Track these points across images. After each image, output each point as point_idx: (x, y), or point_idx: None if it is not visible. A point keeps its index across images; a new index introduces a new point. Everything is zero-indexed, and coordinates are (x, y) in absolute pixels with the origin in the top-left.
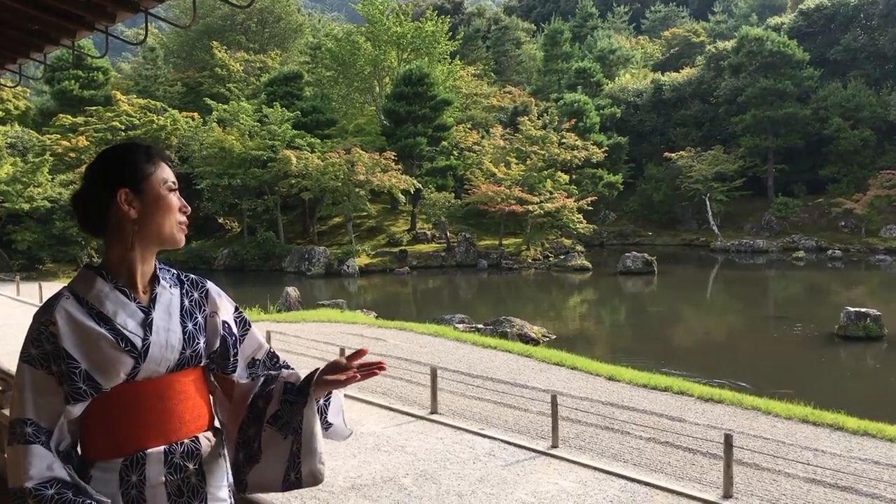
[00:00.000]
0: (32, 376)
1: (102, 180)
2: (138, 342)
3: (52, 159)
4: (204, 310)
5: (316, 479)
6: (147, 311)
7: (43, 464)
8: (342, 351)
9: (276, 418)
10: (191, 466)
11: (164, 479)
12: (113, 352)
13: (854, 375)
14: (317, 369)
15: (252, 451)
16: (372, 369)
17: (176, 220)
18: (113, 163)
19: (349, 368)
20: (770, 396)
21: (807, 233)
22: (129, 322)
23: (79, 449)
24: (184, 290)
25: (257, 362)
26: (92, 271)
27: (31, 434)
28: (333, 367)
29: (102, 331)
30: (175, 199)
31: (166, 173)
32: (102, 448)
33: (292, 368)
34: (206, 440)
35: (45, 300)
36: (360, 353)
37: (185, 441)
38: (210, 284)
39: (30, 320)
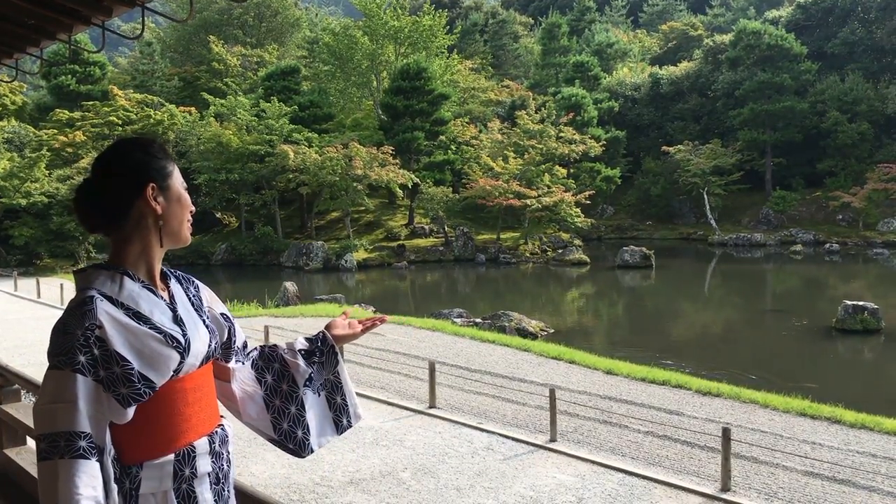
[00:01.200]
0: (86, 386)
1: (131, 173)
2: (181, 337)
3: (49, 154)
4: (205, 304)
5: (359, 417)
6: (173, 307)
7: (90, 483)
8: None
9: (310, 380)
10: (225, 453)
11: (210, 468)
12: (163, 349)
13: (852, 369)
14: (321, 332)
15: (293, 416)
16: (374, 321)
17: (186, 223)
18: (139, 157)
19: (353, 324)
20: (768, 390)
21: (804, 226)
22: (164, 320)
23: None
24: (184, 287)
25: (245, 348)
26: (115, 271)
27: (84, 448)
28: (340, 325)
29: (147, 329)
30: (188, 198)
31: (179, 173)
32: (151, 447)
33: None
34: (228, 426)
35: (72, 304)
36: (380, 319)
37: (218, 429)
38: (197, 280)
39: (26, 315)
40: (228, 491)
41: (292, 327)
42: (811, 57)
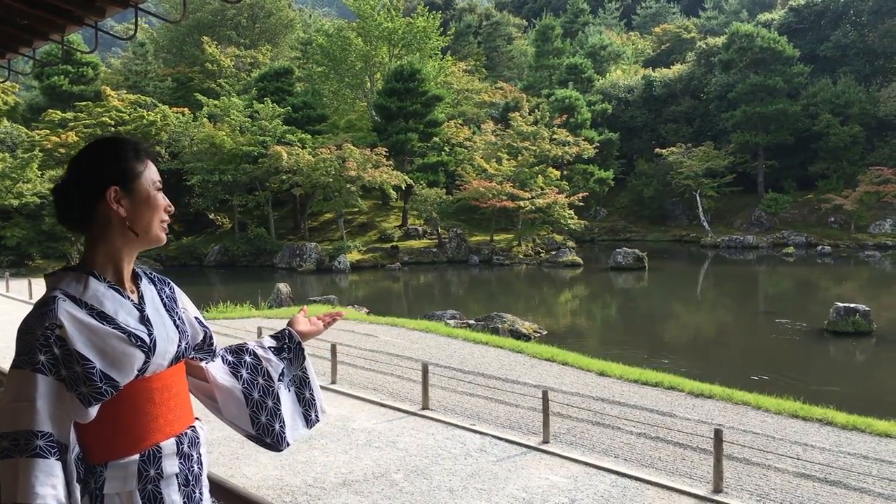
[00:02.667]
0: (45, 385)
1: (91, 177)
2: (146, 337)
3: (41, 155)
4: (178, 305)
5: (324, 412)
6: (140, 307)
7: (48, 482)
8: (333, 347)
9: (282, 375)
10: (195, 455)
11: (177, 469)
12: (126, 348)
13: (843, 371)
14: (287, 329)
15: (270, 410)
16: (333, 316)
17: (160, 223)
18: (103, 159)
19: (314, 321)
20: (760, 391)
21: (796, 228)
22: (129, 320)
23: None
24: (157, 287)
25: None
26: (81, 272)
27: (41, 447)
28: (302, 322)
29: (110, 329)
30: (162, 199)
31: (154, 172)
32: (116, 447)
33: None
34: (200, 427)
35: (35, 305)
36: (338, 314)
37: (188, 431)
38: (172, 282)
39: (17, 316)
40: (200, 493)
41: None
42: (803, 60)
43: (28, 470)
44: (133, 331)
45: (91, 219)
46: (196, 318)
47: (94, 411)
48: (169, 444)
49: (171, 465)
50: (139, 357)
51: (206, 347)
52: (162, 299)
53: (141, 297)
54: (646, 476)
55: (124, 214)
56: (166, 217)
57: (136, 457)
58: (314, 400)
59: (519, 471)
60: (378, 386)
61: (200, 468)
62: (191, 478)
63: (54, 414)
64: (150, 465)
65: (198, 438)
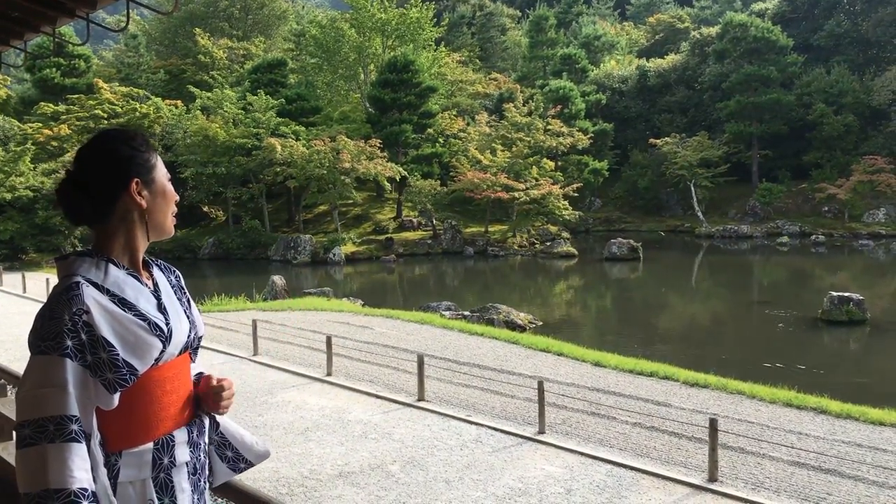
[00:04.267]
0: (74, 370)
1: (114, 169)
2: (164, 326)
3: (33, 148)
4: (185, 294)
5: (258, 457)
6: (157, 295)
7: (84, 465)
8: (328, 339)
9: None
10: (202, 443)
11: (188, 457)
12: (147, 336)
13: (837, 359)
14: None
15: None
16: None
17: (172, 210)
18: (122, 151)
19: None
20: (754, 381)
21: (790, 218)
22: (149, 307)
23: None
24: (166, 275)
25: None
26: (100, 259)
27: (76, 432)
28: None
29: (132, 316)
30: (172, 190)
31: (162, 164)
32: (131, 436)
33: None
34: (205, 417)
35: (57, 291)
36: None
37: (196, 420)
38: (178, 270)
39: (11, 310)
40: (204, 482)
41: (280, 321)
42: (797, 49)
43: (63, 454)
44: (153, 319)
45: (110, 212)
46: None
47: (117, 398)
48: (181, 433)
49: (182, 454)
50: (157, 346)
51: (197, 343)
52: (171, 287)
53: (156, 285)
54: (641, 465)
55: (145, 206)
56: (175, 209)
57: (150, 445)
58: (238, 456)
59: (515, 461)
60: (374, 378)
61: (206, 457)
62: (198, 466)
63: (81, 400)
64: (164, 453)
65: (204, 428)
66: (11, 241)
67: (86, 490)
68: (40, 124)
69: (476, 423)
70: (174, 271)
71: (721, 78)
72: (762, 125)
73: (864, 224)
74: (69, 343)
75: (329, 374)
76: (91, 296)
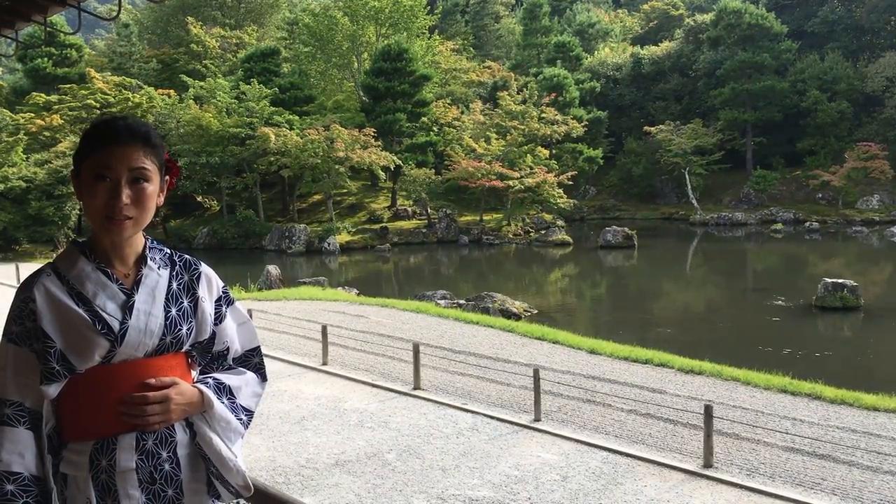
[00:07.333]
0: (15, 355)
1: (75, 156)
2: (115, 325)
3: (26, 138)
4: (193, 294)
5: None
6: (129, 293)
7: (15, 449)
8: (324, 329)
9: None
10: (164, 454)
11: (135, 465)
12: (89, 333)
13: (831, 346)
14: None
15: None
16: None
17: (100, 214)
18: (83, 138)
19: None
20: (749, 367)
21: (785, 205)
22: (108, 304)
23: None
24: (174, 272)
25: (224, 358)
26: (76, 249)
27: (8, 416)
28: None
29: (80, 311)
30: (100, 191)
31: (108, 159)
32: (76, 429)
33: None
34: (181, 429)
35: (27, 276)
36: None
37: (165, 430)
38: (204, 268)
39: (6, 302)
40: (176, 494)
41: (275, 310)
42: (791, 36)
43: None
44: (105, 316)
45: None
46: (211, 311)
47: (52, 390)
48: (127, 438)
49: (126, 460)
50: (104, 345)
51: (209, 347)
52: (171, 286)
53: (136, 283)
54: (636, 452)
55: (78, 198)
56: (112, 215)
57: (91, 443)
58: (222, 476)
59: (511, 449)
60: (369, 367)
61: (176, 469)
62: (157, 476)
63: (24, 383)
64: (102, 454)
65: (173, 439)
66: (5, 231)
67: (13, 473)
68: (32, 114)
69: (472, 412)
70: (191, 269)
71: (715, 65)
72: (756, 112)
73: (857, 211)
74: (14, 329)
75: (325, 363)
76: (45, 285)
